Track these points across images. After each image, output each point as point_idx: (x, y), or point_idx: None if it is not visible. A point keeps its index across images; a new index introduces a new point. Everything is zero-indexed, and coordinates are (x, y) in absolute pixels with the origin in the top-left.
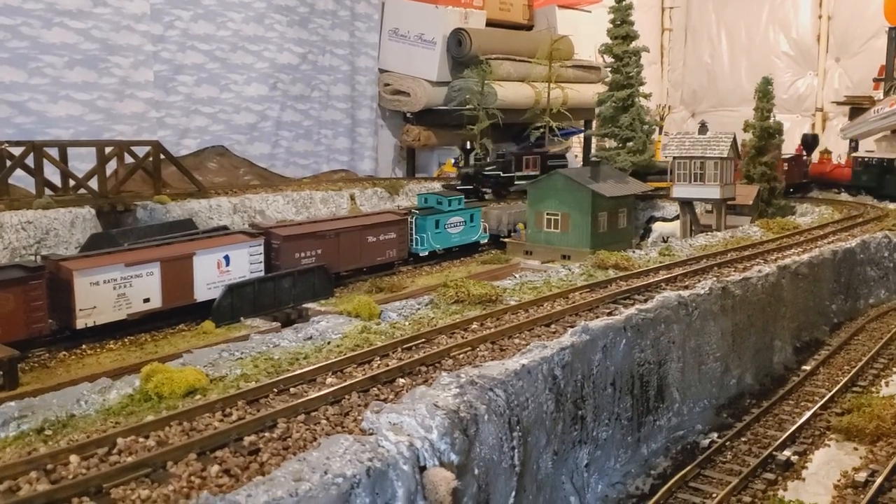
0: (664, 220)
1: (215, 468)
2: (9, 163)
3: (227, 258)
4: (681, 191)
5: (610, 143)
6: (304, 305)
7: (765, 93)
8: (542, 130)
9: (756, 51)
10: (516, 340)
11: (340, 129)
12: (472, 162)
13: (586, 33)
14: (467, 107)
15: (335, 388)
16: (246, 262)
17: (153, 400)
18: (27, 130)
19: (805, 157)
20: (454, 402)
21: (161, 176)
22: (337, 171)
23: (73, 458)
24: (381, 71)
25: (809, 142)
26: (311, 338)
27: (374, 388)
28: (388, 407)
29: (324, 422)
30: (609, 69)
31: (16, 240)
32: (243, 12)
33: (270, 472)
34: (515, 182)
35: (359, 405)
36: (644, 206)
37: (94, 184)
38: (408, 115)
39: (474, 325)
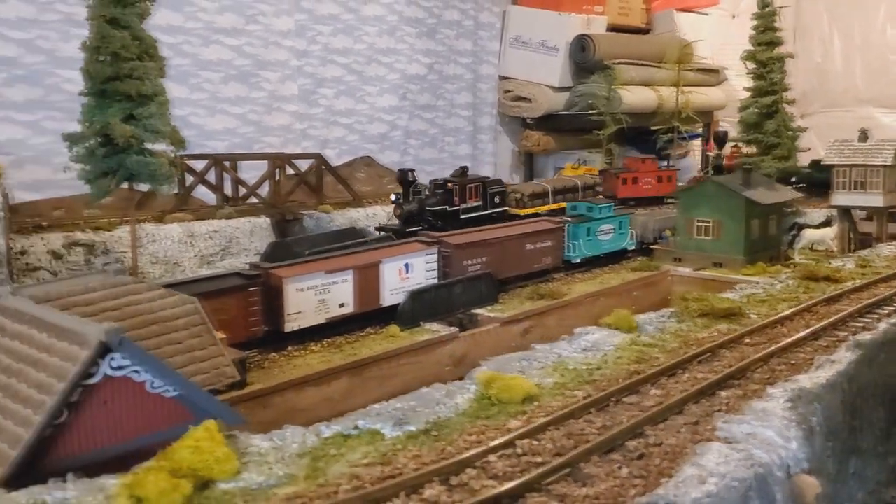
0: (808, 226)
1: (625, 470)
2: (188, 175)
3: (407, 266)
4: (841, 198)
5: (748, 148)
6: (473, 311)
7: None
8: (669, 135)
9: (871, 50)
10: (800, 354)
11: (462, 137)
12: (412, 197)
13: (703, 35)
14: (591, 111)
15: (676, 398)
16: (423, 270)
17: (497, 405)
18: (188, 143)
19: (718, 153)
20: (792, 414)
21: (322, 186)
22: None
23: (492, 458)
24: (502, 78)
25: (721, 138)
26: (586, 349)
27: (702, 400)
28: (735, 418)
29: (682, 430)
30: (751, 75)
31: (205, 248)
32: (377, 25)
33: (672, 475)
34: (461, 216)
35: (702, 415)
36: (787, 212)
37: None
38: (528, 120)
39: (747, 340)
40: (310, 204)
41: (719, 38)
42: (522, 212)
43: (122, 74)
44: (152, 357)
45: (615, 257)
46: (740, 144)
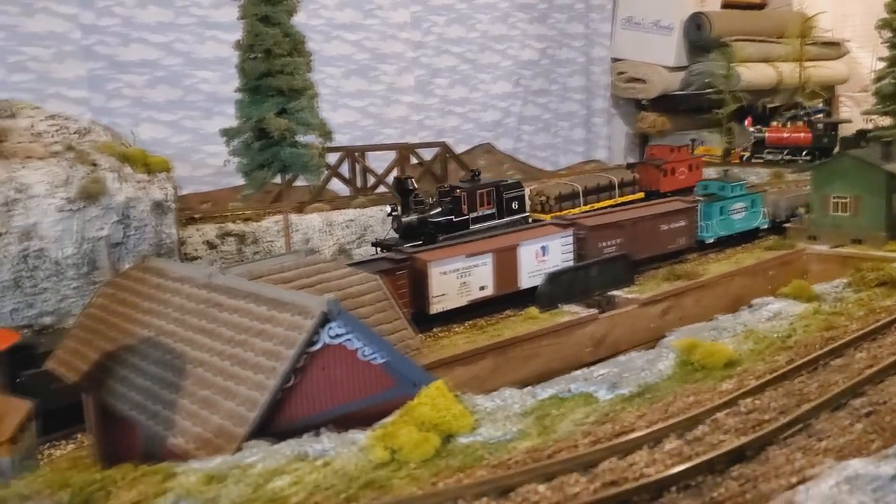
0: None
1: (858, 426)
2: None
3: (543, 248)
4: None
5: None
6: (610, 293)
7: None
8: (793, 111)
9: None
10: None
11: (576, 121)
12: (412, 206)
13: (822, 7)
14: (708, 90)
15: (888, 361)
16: (559, 252)
17: (701, 370)
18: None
19: (759, 128)
20: None
21: (447, 173)
22: (589, 162)
23: (720, 416)
24: (614, 60)
25: (759, 113)
26: (770, 319)
27: None
28: None
29: None
30: (886, 45)
31: (342, 236)
32: (490, 13)
33: None
34: (471, 226)
35: None
36: None
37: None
38: (643, 101)
39: None
40: (433, 191)
41: (839, 9)
42: (548, 217)
43: (274, 70)
44: (365, 326)
45: (747, 237)
46: (801, 122)
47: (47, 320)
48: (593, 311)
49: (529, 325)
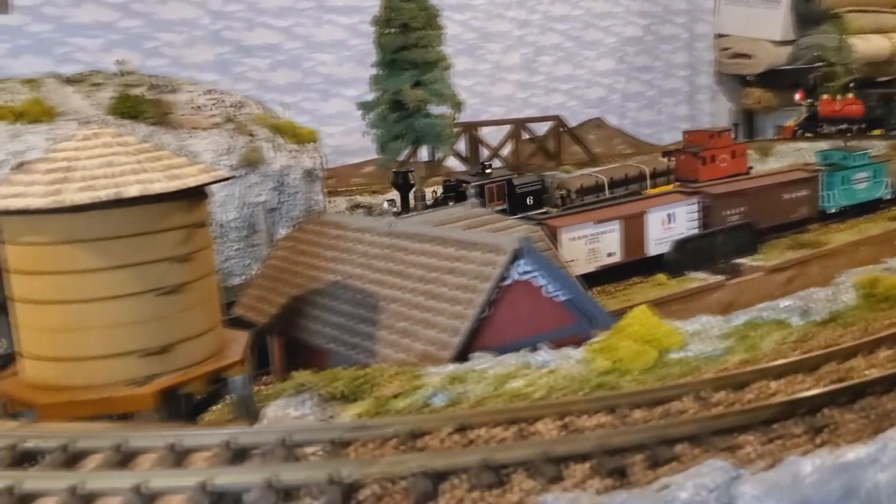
0: None
1: None
2: None
3: (670, 216)
4: None
5: None
6: (735, 260)
7: None
8: None
9: None
10: None
11: (680, 97)
12: (412, 203)
13: None
14: (818, 64)
15: None
16: (684, 220)
17: (885, 301)
18: None
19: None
20: None
21: (561, 147)
22: None
23: None
24: (717, 36)
25: (811, 86)
26: None
27: None
28: None
29: None
30: None
31: None
32: None
33: None
34: None
35: None
36: None
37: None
38: (748, 77)
39: None
40: (548, 165)
41: None
42: None
43: (409, 44)
44: (551, 265)
45: (868, 207)
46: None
47: None
48: (720, 277)
49: (659, 291)
